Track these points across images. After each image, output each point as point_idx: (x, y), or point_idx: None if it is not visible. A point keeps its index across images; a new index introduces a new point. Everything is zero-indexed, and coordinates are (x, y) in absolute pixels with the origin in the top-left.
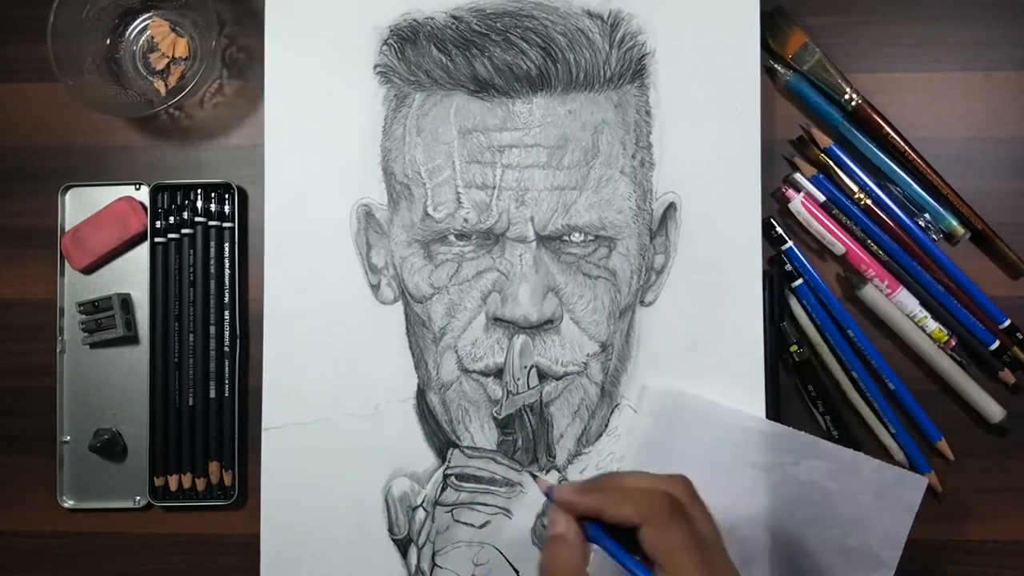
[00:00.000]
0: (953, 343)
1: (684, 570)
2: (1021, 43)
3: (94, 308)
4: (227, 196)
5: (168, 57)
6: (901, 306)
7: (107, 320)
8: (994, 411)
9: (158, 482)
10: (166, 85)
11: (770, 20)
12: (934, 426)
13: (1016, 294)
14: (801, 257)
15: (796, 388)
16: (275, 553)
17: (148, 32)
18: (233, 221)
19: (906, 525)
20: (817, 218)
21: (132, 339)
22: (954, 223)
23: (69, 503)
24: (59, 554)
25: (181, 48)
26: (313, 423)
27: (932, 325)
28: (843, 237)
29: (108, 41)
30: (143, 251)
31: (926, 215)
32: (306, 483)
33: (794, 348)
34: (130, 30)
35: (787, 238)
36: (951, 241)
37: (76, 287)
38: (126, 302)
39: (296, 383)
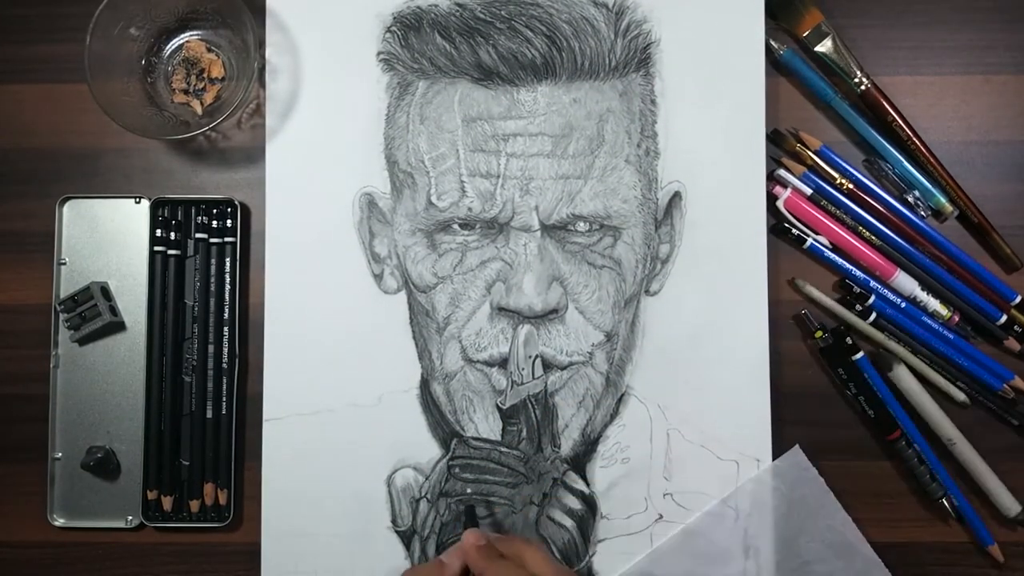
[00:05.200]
0: (956, 319)
1: None
2: (1020, 47)
3: (75, 303)
4: (229, 211)
5: (205, 78)
6: (900, 289)
7: (90, 311)
8: (1009, 506)
9: (151, 495)
10: (202, 104)
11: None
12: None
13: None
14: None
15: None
16: (277, 546)
17: (183, 52)
18: (235, 237)
19: None
20: (805, 212)
21: (120, 326)
22: (942, 200)
23: (59, 522)
24: (49, 566)
25: (217, 69)
26: (315, 414)
27: (933, 304)
28: (833, 227)
29: (143, 62)
30: (124, 248)
31: (915, 192)
32: (308, 474)
33: (819, 334)
34: (166, 50)
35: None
36: (939, 218)
37: (70, 292)
38: (104, 289)
39: (298, 373)
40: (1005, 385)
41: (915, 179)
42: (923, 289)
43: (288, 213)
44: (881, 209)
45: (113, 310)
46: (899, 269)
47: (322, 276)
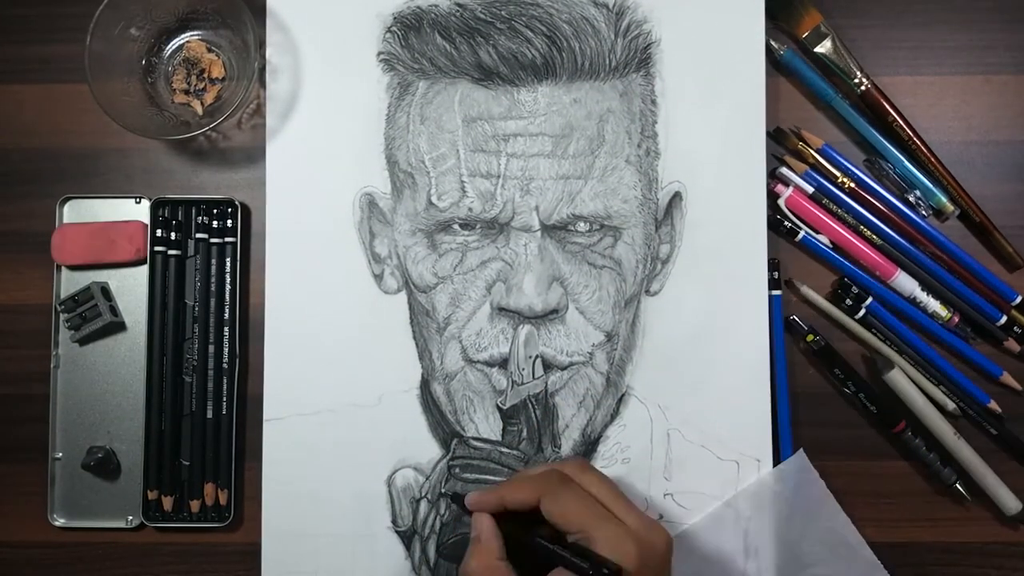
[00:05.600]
0: (956, 320)
1: (577, 524)
2: (1020, 47)
3: (75, 303)
4: (230, 211)
5: (205, 78)
6: (900, 289)
7: (91, 311)
8: (1010, 504)
9: (151, 495)
10: (202, 104)
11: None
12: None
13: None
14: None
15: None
16: (277, 546)
17: (183, 53)
18: (235, 237)
19: None
20: (806, 211)
21: (120, 326)
22: (943, 199)
23: (60, 522)
24: (49, 566)
25: (217, 69)
26: (316, 414)
27: (933, 305)
28: (834, 226)
29: (144, 62)
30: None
31: (916, 191)
32: (308, 474)
33: (811, 338)
34: (166, 50)
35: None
36: (940, 217)
37: (70, 292)
38: (105, 290)
39: (298, 374)
40: (992, 402)
41: (916, 179)
42: (923, 289)
43: (288, 213)
44: (883, 208)
45: (113, 310)
46: (899, 269)
47: (322, 276)
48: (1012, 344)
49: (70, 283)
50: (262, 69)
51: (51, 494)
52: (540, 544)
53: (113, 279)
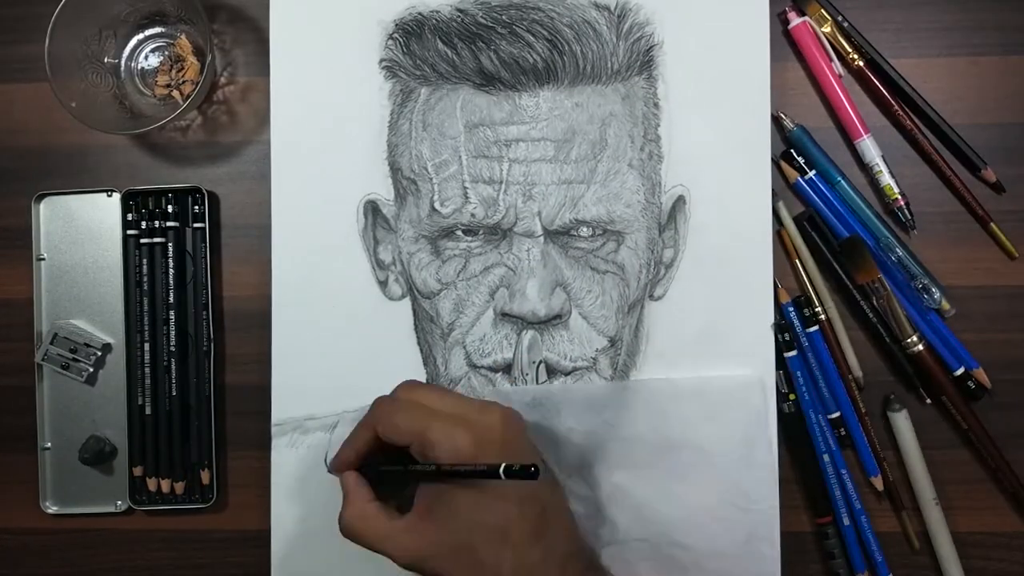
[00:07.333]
0: (902, 203)
1: (409, 434)
2: (1006, 26)
3: (70, 351)
4: (198, 198)
5: (172, 73)
6: (862, 154)
7: (76, 365)
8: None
9: (136, 472)
10: (182, 95)
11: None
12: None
13: (1009, 283)
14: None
15: None
16: (284, 550)
17: (149, 48)
18: (204, 224)
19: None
20: (807, 48)
21: (108, 347)
22: (942, 297)
23: (52, 509)
24: (43, 551)
25: (192, 72)
26: (322, 419)
27: (886, 180)
28: (826, 71)
29: (106, 60)
30: (100, 240)
31: (922, 280)
32: (316, 479)
33: (793, 397)
34: (128, 47)
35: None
36: (940, 315)
37: (53, 295)
38: (107, 345)
39: (304, 379)
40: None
41: (917, 268)
42: (882, 162)
43: (293, 221)
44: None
45: (97, 365)
46: (868, 134)
47: (327, 283)
48: (989, 174)
49: (50, 277)
50: (213, 64)
51: (42, 483)
52: (384, 472)
53: (90, 271)
